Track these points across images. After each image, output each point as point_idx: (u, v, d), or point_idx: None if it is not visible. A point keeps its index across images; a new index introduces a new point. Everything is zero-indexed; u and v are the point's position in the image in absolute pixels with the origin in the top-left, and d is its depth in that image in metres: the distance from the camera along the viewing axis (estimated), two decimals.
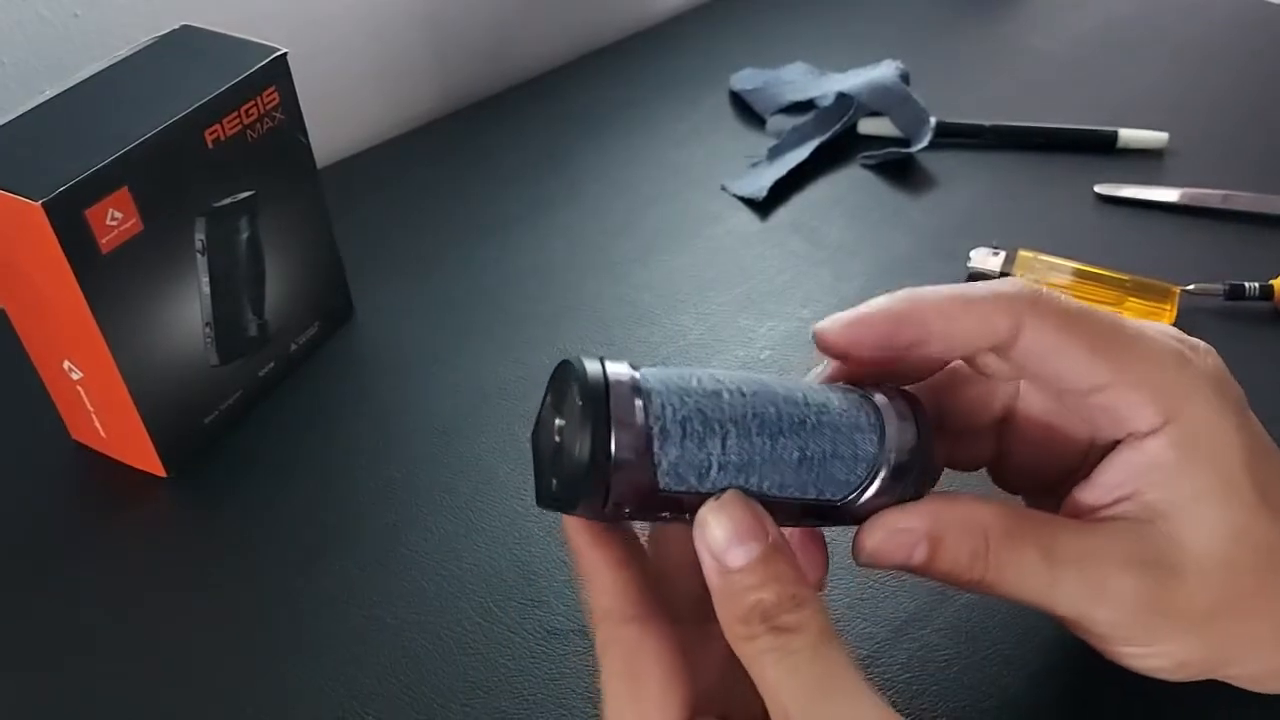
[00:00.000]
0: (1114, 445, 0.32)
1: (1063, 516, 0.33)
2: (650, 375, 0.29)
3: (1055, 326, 0.31)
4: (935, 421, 0.33)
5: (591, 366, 0.28)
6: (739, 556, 0.28)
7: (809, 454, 0.30)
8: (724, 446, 0.28)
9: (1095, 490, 0.33)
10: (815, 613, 0.28)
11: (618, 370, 0.28)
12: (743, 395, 0.29)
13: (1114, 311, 0.33)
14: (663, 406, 0.28)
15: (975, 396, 0.36)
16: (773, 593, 0.28)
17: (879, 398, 0.32)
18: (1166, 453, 0.31)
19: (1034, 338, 0.31)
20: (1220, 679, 0.34)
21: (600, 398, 0.28)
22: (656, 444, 0.28)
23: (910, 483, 0.31)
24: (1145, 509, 0.31)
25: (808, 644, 0.28)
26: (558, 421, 0.29)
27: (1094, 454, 0.33)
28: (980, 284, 0.32)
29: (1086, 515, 0.33)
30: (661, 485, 0.28)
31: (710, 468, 0.28)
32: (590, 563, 0.30)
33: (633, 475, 0.28)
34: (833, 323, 0.32)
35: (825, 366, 0.34)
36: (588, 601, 0.31)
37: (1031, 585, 0.31)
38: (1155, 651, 0.32)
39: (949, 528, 0.31)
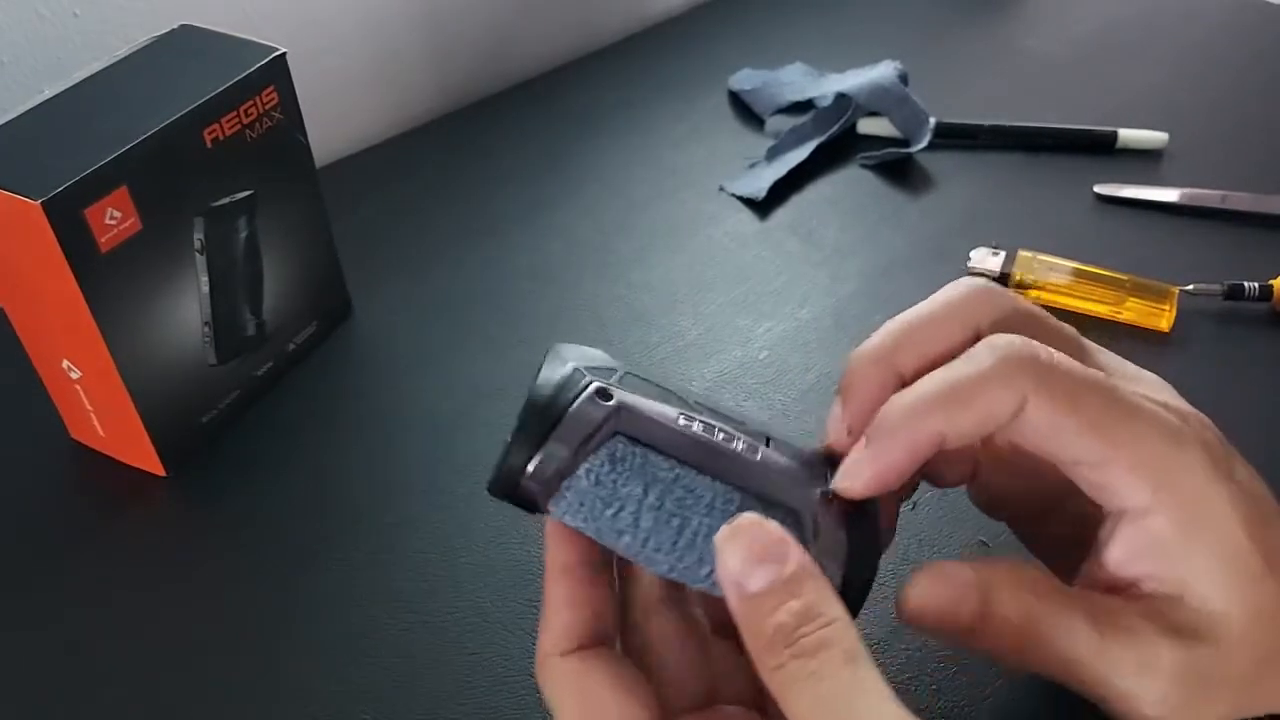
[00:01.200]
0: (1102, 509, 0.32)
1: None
2: (622, 419, 0.30)
3: (1057, 407, 0.29)
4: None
5: (562, 378, 0.31)
6: (758, 580, 0.27)
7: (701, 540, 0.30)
8: (633, 522, 0.30)
9: (1107, 567, 0.32)
10: (840, 630, 0.27)
11: (588, 399, 0.30)
12: (680, 471, 0.30)
13: (1110, 382, 0.31)
14: (603, 463, 0.30)
15: None
16: (792, 613, 0.27)
17: (817, 500, 0.31)
18: (1167, 530, 0.30)
19: (1035, 416, 0.29)
20: None
21: (549, 419, 0.30)
22: (570, 482, 0.30)
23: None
24: (1166, 584, 0.30)
25: (833, 668, 0.26)
26: (522, 408, 0.31)
27: (1081, 502, 0.32)
28: (980, 359, 0.30)
29: (1106, 591, 0.32)
30: (553, 513, 0.30)
31: (607, 531, 0.30)
32: (545, 601, 0.31)
33: (536, 491, 0.30)
34: (853, 482, 0.31)
35: (836, 405, 0.33)
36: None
37: (1082, 651, 0.30)
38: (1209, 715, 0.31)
39: (999, 580, 0.30)
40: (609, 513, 0.30)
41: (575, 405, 0.30)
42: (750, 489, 0.30)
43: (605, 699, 0.29)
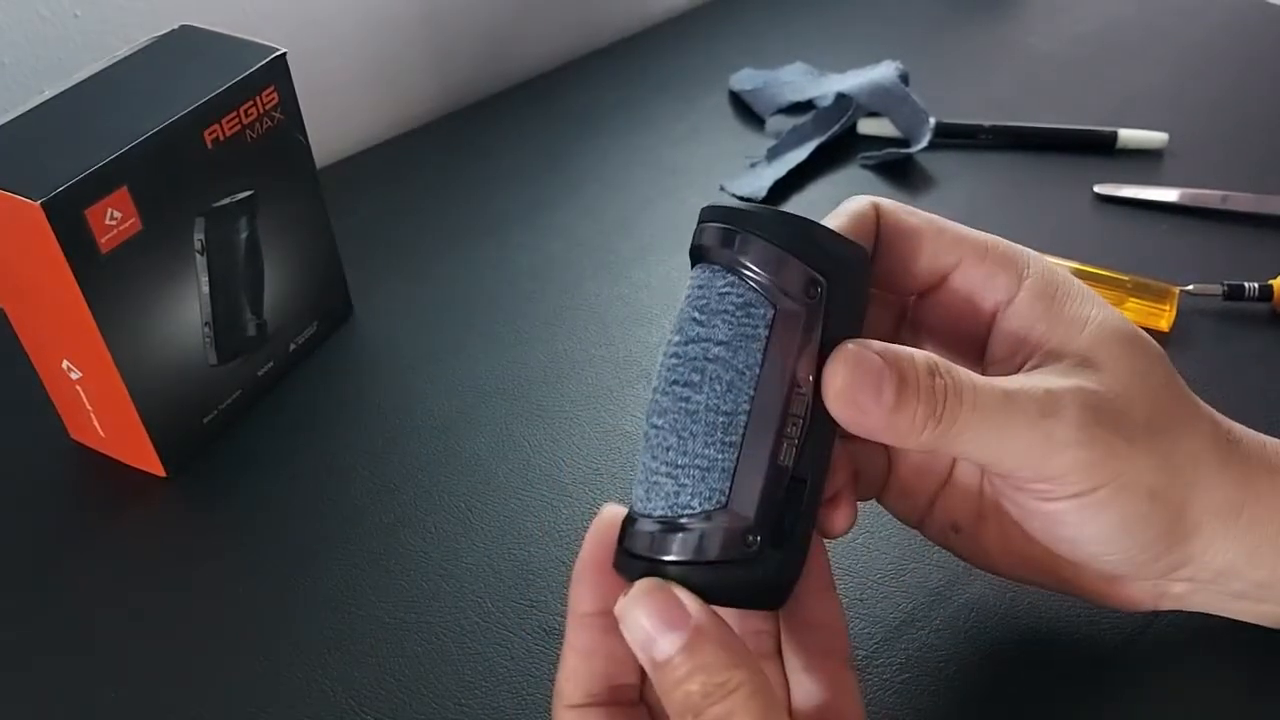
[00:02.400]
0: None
1: None
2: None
3: (905, 211, 0.34)
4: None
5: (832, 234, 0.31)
6: (664, 648, 0.27)
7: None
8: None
9: (995, 366, 0.34)
10: (746, 697, 0.27)
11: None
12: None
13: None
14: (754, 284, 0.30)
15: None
16: (699, 684, 0.27)
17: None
18: (1035, 302, 0.33)
19: (892, 217, 0.34)
20: (1190, 556, 0.34)
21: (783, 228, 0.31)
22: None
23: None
24: (1044, 351, 0.33)
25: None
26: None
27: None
28: (842, 209, 0.34)
29: None
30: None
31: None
32: (566, 647, 0.31)
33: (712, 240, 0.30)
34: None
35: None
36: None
37: (991, 411, 0.30)
38: (1121, 484, 0.31)
39: (907, 358, 0.30)
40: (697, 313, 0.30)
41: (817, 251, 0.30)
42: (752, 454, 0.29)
43: None
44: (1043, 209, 0.61)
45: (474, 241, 0.60)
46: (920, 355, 0.30)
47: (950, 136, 0.65)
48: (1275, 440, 0.35)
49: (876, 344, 0.30)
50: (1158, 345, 0.34)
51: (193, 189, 0.44)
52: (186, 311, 0.46)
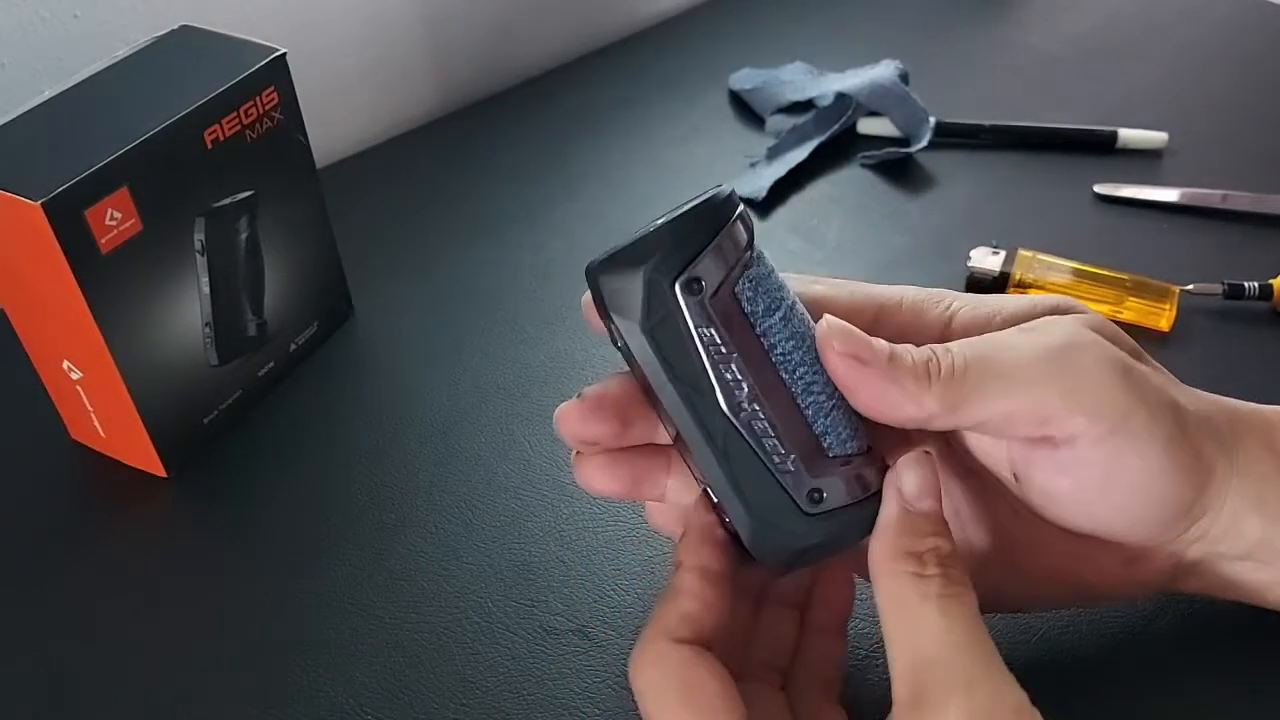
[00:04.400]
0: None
1: None
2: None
3: (808, 292, 0.34)
4: None
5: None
6: (928, 504, 0.31)
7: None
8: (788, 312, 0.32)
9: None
10: (964, 578, 0.30)
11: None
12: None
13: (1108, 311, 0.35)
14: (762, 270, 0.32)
15: None
16: (950, 545, 0.30)
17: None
18: (974, 317, 0.34)
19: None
20: (1204, 519, 0.34)
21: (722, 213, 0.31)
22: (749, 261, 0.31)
23: None
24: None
25: (973, 606, 0.30)
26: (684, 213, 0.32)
27: None
28: None
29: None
30: (736, 290, 0.31)
31: (778, 310, 0.31)
32: (672, 588, 0.32)
33: (719, 264, 0.31)
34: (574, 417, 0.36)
35: None
36: (657, 612, 0.32)
37: (989, 351, 0.31)
38: (1149, 411, 0.31)
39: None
40: (772, 304, 0.31)
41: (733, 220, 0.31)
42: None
43: (712, 695, 0.30)
44: (1043, 209, 0.61)
45: (474, 241, 0.60)
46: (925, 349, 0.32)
47: (950, 136, 0.65)
48: (1224, 398, 0.36)
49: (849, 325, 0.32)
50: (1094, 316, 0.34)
51: (193, 189, 0.44)
52: (187, 311, 0.46)
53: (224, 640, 0.41)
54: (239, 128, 0.45)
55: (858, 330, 0.31)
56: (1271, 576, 0.35)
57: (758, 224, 0.61)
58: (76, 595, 0.43)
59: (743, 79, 0.71)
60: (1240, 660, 0.39)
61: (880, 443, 0.33)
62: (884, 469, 0.32)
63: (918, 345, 0.32)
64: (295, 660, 0.41)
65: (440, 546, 0.44)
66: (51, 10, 0.55)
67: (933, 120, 0.65)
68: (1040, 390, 0.31)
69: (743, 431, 0.31)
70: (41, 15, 0.55)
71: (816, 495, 0.31)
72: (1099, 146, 0.65)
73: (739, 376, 0.31)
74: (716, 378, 0.31)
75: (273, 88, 0.46)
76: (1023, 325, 0.33)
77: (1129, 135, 0.64)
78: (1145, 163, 0.64)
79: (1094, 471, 0.32)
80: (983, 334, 0.33)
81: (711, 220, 0.31)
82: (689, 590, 0.32)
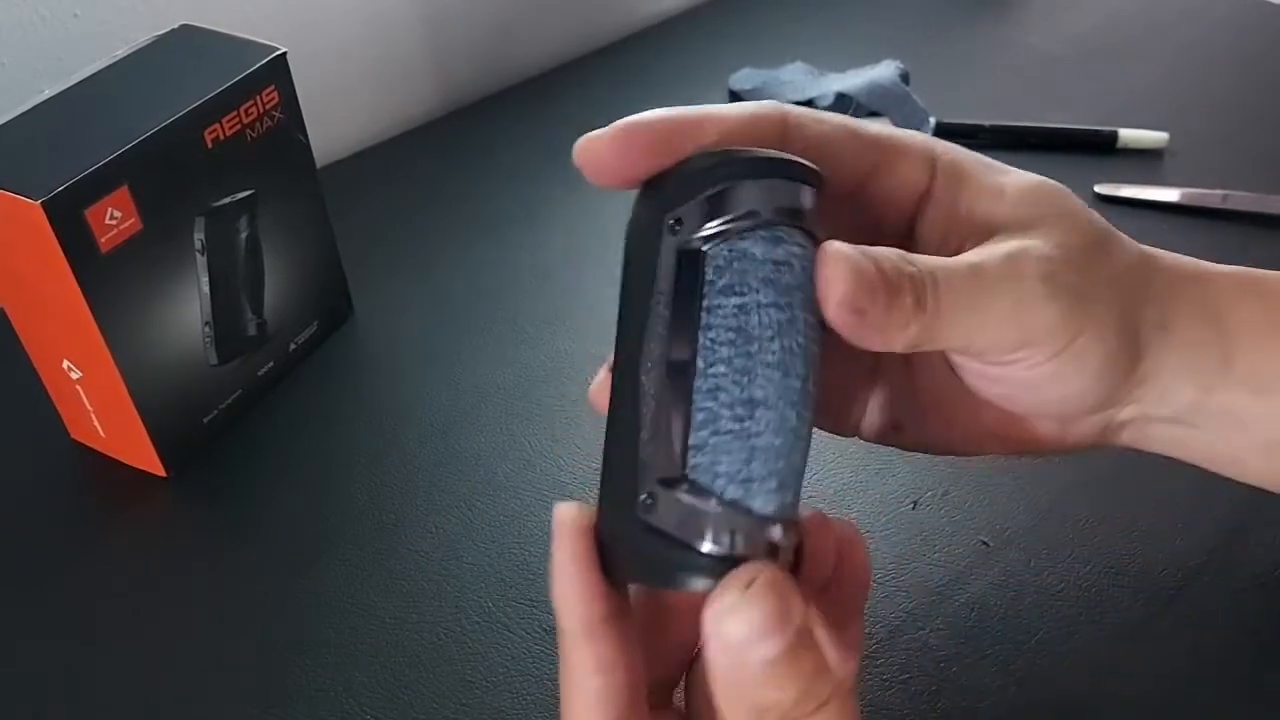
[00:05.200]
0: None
1: None
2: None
3: (814, 119, 0.32)
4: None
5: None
6: (761, 651, 0.24)
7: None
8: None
9: (928, 247, 0.33)
10: (835, 712, 0.25)
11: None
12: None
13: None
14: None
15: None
16: (794, 692, 0.25)
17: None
18: (951, 185, 0.33)
19: (800, 128, 0.32)
20: (1135, 396, 0.33)
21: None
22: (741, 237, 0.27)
23: None
24: (978, 232, 0.32)
25: None
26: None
27: None
28: (748, 116, 0.31)
29: None
30: (706, 249, 0.27)
31: (739, 298, 0.27)
32: (574, 669, 0.27)
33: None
34: (599, 142, 0.30)
35: None
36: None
37: (963, 289, 0.29)
38: (1095, 329, 0.31)
39: (884, 253, 0.29)
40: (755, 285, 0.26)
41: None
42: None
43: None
44: None
45: (474, 241, 0.60)
46: (889, 249, 0.29)
47: (950, 136, 0.65)
48: (1183, 256, 0.35)
49: (849, 245, 0.28)
50: (1065, 187, 0.34)
51: (193, 189, 0.44)
52: (186, 311, 0.46)
53: (224, 640, 0.41)
54: (239, 127, 0.45)
55: (865, 272, 0.27)
56: (1203, 437, 0.35)
57: None
58: (76, 595, 0.43)
59: (743, 79, 0.71)
60: (1241, 662, 0.39)
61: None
62: (770, 549, 0.26)
63: (893, 226, 0.33)
64: (295, 660, 0.41)
65: (439, 546, 0.44)
66: (51, 10, 0.55)
67: (933, 120, 0.65)
68: (999, 326, 0.30)
69: (639, 385, 0.27)
70: (41, 15, 0.55)
71: (648, 502, 0.26)
72: (1099, 146, 0.65)
73: (661, 333, 0.27)
74: (649, 320, 0.27)
75: (273, 87, 0.46)
76: (988, 244, 0.32)
77: (1129, 135, 0.64)
78: (1146, 163, 0.64)
79: (1030, 381, 0.32)
80: (955, 244, 0.33)
81: (738, 170, 0.27)
82: (579, 666, 0.27)
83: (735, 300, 0.26)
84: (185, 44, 0.47)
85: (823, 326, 0.28)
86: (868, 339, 0.28)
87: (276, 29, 0.62)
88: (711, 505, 0.26)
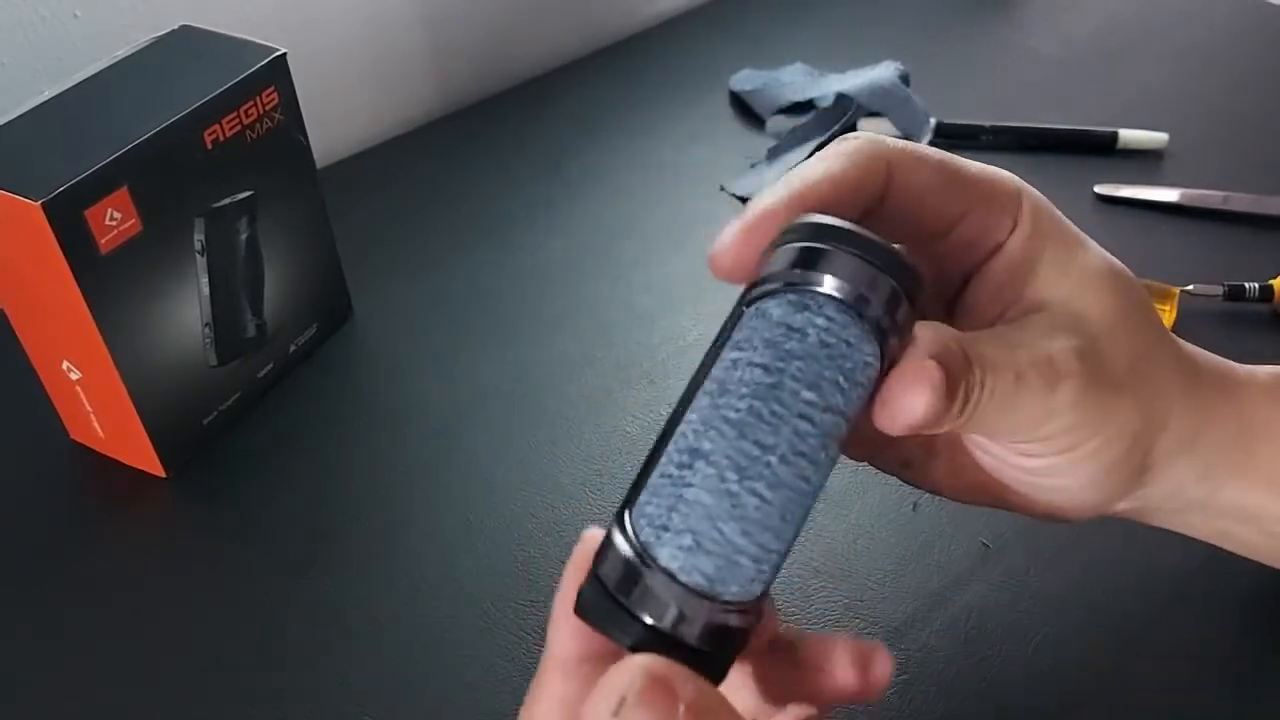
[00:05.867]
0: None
1: None
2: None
3: (914, 163, 0.31)
4: None
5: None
6: None
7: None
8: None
9: (972, 312, 0.33)
10: None
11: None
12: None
13: None
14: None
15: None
16: None
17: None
18: (1025, 243, 0.32)
19: (904, 178, 0.31)
20: (1141, 492, 0.34)
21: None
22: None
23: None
24: (1030, 303, 0.32)
25: None
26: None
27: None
28: (836, 149, 0.31)
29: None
30: (745, 304, 0.27)
31: (740, 353, 0.26)
32: (551, 697, 0.28)
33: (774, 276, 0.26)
34: (723, 245, 0.30)
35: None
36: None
37: (1004, 396, 0.29)
38: (1107, 436, 0.31)
39: (959, 358, 0.28)
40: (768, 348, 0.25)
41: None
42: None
43: None
44: None
45: (474, 242, 0.60)
46: (957, 348, 0.28)
47: (950, 137, 0.65)
48: (1221, 360, 0.35)
49: (932, 345, 0.27)
50: (1134, 278, 0.33)
51: (193, 189, 0.44)
52: (186, 312, 0.46)
53: (224, 640, 0.41)
54: (239, 128, 0.45)
55: (939, 396, 0.27)
56: (1213, 525, 0.36)
57: None
58: (76, 595, 0.43)
59: (743, 80, 0.71)
60: (1241, 662, 0.39)
61: None
62: (712, 632, 0.24)
63: (956, 272, 0.32)
64: (293, 659, 0.41)
65: (439, 547, 0.44)
66: (51, 10, 0.55)
67: (933, 121, 0.65)
68: (1024, 425, 0.31)
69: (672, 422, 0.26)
70: (41, 15, 0.55)
71: (605, 543, 0.25)
72: (1099, 147, 0.64)
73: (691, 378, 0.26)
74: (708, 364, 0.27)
75: (273, 88, 0.46)
76: (1034, 326, 0.31)
77: (1129, 136, 0.64)
78: (1146, 163, 0.64)
79: (1030, 468, 0.32)
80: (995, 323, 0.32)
81: (821, 237, 0.26)
82: (558, 696, 0.27)
83: (733, 354, 0.25)
84: (185, 45, 0.47)
85: (842, 414, 0.25)
86: (899, 430, 0.28)
87: (276, 29, 0.62)
88: (623, 544, 0.24)
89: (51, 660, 0.41)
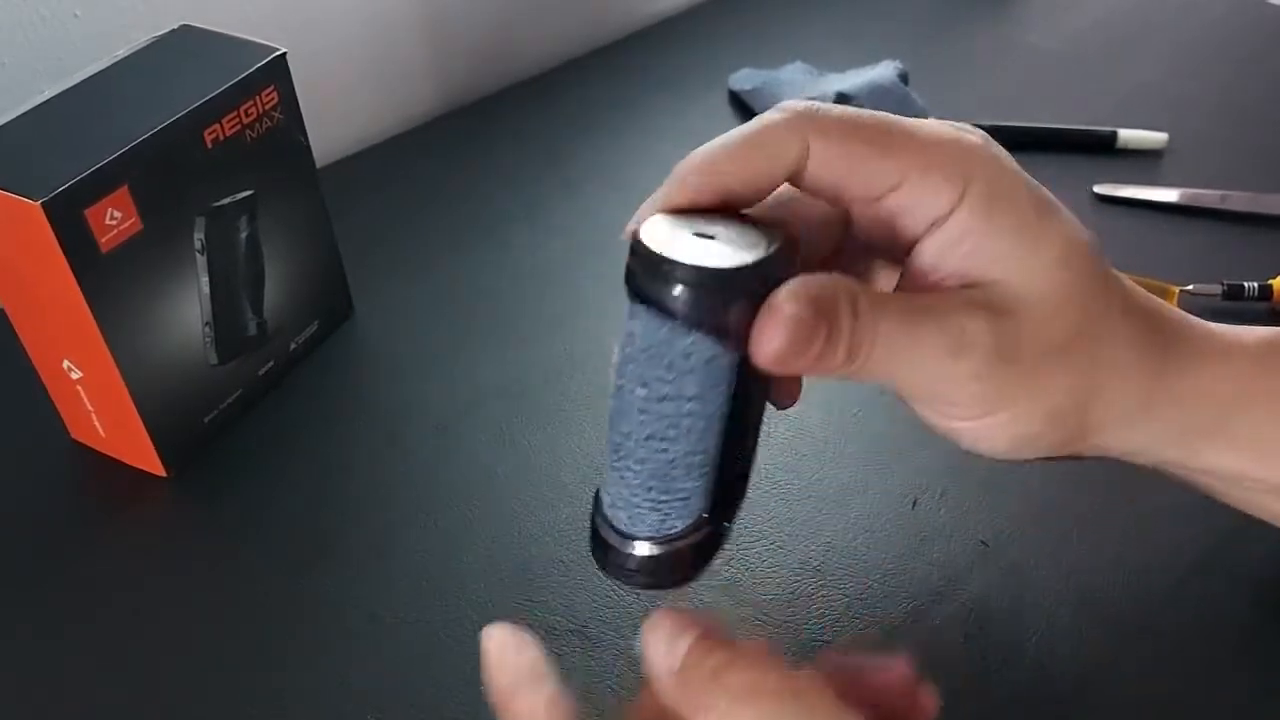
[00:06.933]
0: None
1: None
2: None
3: (839, 136, 0.31)
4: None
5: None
6: (685, 643, 0.29)
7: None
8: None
9: (916, 275, 0.33)
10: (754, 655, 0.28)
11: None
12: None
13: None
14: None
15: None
16: (717, 658, 0.29)
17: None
18: (969, 220, 0.32)
19: (822, 153, 0.31)
20: (1096, 446, 0.34)
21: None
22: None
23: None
24: (971, 274, 0.32)
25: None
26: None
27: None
28: (759, 118, 0.32)
29: None
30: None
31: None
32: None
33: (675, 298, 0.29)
34: (640, 217, 0.31)
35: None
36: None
37: (899, 349, 0.30)
38: (1015, 412, 0.32)
39: (834, 304, 0.29)
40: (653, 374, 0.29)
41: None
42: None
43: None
44: None
45: (474, 241, 0.60)
46: (844, 293, 0.29)
47: None
48: (1205, 326, 0.36)
49: (805, 290, 0.29)
50: (1092, 248, 0.33)
51: (193, 189, 0.44)
52: (187, 311, 0.46)
53: (224, 640, 0.41)
54: (239, 127, 0.45)
55: (801, 327, 0.29)
56: (1187, 477, 0.36)
57: None
58: (76, 595, 0.43)
59: (743, 79, 0.71)
60: (1241, 662, 0.39)
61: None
62: (646, 559, 0.32)
63: (901, 236, 0.32)
64: (294, 659, 0.41)
65: (439, 546, 0.44)
66: (51, 10, 0.55)
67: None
68: (927, 388, 0.32)
69: None
70: (41, 15, 0.55)
71: (719, 528, 0.32)
72: (1099, 147, 0.65)
73: None
74: None
75: (273, 87, 0.46)
76: (956, 295, 0.32)
77: (1129, 135, 0.64)
78: (1145, 163, 0.64)
79: (951, 430, 0.33)
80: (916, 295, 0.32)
81: (634, 254, 0.30)
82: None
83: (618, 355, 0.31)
84: (185, 44, 0.47)
85: (679, 397, 0.30)
86: (792, 374, 0.30)
87: (276, 29, 0.62)
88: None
89: (51, 660, 0.41)
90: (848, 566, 0.43)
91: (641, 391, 0.30)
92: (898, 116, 0.32)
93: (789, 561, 0.43)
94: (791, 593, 0.42)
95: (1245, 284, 0.53)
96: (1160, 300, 0.36)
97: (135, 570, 0.44)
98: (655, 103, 0.70)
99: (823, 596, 0.42)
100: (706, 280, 0.28)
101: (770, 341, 0.29)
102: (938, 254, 0.32)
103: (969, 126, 0.33)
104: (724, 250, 0.29)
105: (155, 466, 0.47)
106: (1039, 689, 0.39)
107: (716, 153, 0.32)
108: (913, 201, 0.32)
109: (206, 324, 0.47)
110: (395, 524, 0.45)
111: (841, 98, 0.66)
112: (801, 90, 0.69)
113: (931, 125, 0.33)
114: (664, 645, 0.30)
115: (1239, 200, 0.59)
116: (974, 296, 0.32)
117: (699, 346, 0.29)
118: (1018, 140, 0.65)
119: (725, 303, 0.29)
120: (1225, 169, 0.62)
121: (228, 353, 0.48)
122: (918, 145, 0.32)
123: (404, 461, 0.48)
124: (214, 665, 0.41)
